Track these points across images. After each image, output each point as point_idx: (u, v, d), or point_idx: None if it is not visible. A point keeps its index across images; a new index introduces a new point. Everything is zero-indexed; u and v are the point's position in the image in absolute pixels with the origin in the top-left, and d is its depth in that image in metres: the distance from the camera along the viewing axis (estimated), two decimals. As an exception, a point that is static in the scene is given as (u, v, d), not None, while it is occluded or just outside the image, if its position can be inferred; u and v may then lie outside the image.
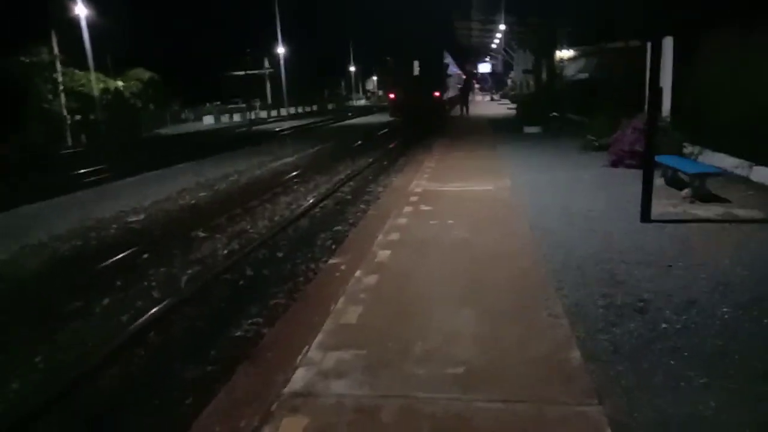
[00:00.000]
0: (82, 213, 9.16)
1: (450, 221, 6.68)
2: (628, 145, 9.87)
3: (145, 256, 6.66)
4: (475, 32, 50.21)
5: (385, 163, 14.38)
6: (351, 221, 7.88)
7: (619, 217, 6.50)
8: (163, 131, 33.58)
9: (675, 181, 7.93)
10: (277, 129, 31.18)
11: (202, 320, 4.94)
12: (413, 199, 8.14)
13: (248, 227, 7.99)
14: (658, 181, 7.63)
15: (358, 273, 4.89)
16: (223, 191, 11.19)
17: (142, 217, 8.92)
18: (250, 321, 4.74)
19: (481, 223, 6.58)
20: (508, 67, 56.95)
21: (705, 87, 9.58)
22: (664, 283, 4.43)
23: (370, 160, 15.03)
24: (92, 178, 13.55)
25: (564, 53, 30.15)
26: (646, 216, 6.26)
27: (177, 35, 51.01)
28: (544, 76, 31.84)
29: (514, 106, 36.06)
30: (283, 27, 50.03)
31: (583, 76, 29.13)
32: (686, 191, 7.24)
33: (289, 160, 15.91)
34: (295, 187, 11.31)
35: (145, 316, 4.77)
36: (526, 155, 12.61)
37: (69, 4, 32.03)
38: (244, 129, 32.58)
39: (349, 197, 9.99)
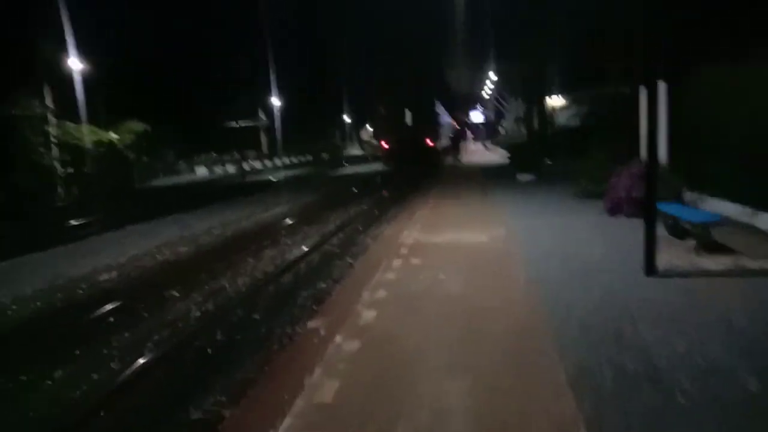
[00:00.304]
0: (56, 270, 8.69)
1: (442, 276, 6.25)
2: (624, 192, 9.54)
3: (111, 319, 6.16)
4: (466, 81, 51.12)
5: (377, 212, 14.01)
6: (336, 277, 7.41)
7: (622, 270, 6.08)
8: (156, 183, 33.32)
9: (677, 230, 7.55)
10: (271, 179, 31.03)
11: (157, 400, 4.39)
12: (403, 251, 7.73)
13: (227, 285, 7.49)
14: (659, 229, 7.26)
15: (338, 338, 4.42)
16: (206, 245, 10.72)
17: (115, 275, 8.41)
18: (212, 400, 4.21)
19: (475, 277, 6.15)
20: (500, 115, 57.75)
21: (702, 130, 9.35)
22: (677, 345, 3.98)
23: (362, 209, 14.68)
24: (77, 232, 13.10)
25: (555, 101, 30.47)
26: (650, 268, 5.85)
27: (172, 87, 51.58)
28: (536, 123, 32.13)
29: (507, 154, 36.19)
30: (279, 77, 50.76)
31: (575, 123, 29.32)
32: (691, 241, 6.86)
33: (279, 210, 15.52)
34: (283, 239, 10.88)
35: (94, 396, 4.26)
36: (520, 203, 12.29)
37: (63, 57, 32.40)
38: (237, 179, 32.39)
39: (337, 250, 9.55)
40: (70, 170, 32.74)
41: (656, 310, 4.73)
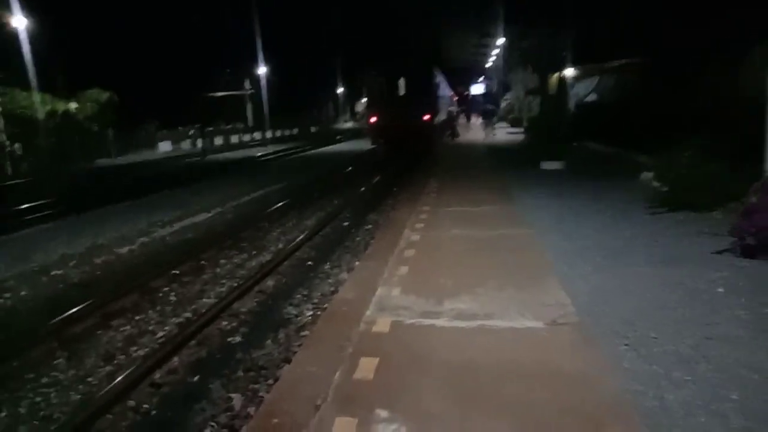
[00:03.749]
0: None
1: None
2: (783, 221, 5.22)
3: None
4: (469, 50, 46.31)
5: (346, 224, 9.59)
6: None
7: None
8: (103, 162, 28.70)
9: None
10: (233, 159, 26.36)
11: None
12: (360, 373, 3.40)
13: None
14: None
15: None
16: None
17: None
18: None
19: None
20: (503, 88, 52.87)
21: None
22: None
23: (323, 216, 10.20)
24: None
25: (568, 71, 26.21)
26: None
27: (148, 54, 46.37)
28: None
29: (514, 130, 31.76)
30: (266, 45, 45.68)
31: (592, 98, 25.43)
32: None
33: (199, 219, 10.75)
34: (163, 292, 6.39)
35: None
36: (567, 215, 7.91)
37: (9, 16, 27.82)
38: (196, 159, 27.66)
39: (237, 338, 5.12)
40: (16, 146, 28.62)
41: None
